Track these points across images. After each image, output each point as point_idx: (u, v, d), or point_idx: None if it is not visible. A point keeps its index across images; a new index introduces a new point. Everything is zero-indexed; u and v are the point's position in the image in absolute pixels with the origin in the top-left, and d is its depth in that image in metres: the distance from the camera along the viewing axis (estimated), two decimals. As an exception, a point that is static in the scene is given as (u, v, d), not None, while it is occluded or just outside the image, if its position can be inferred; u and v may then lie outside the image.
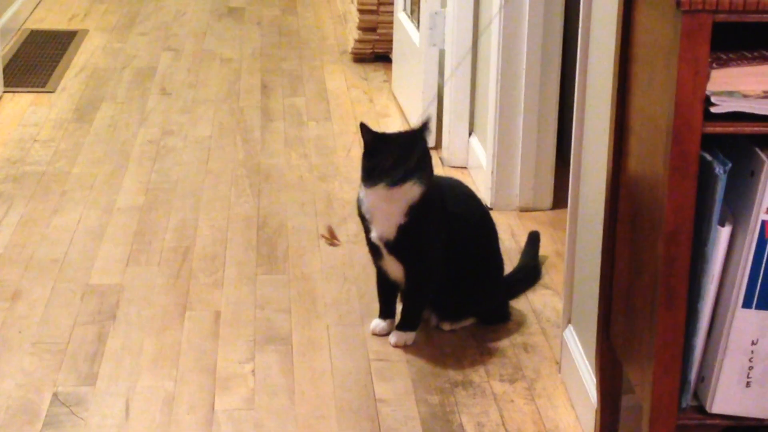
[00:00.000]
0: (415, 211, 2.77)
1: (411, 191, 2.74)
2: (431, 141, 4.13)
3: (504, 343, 2.94)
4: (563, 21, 3.61)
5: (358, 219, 2.94)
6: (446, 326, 2.97)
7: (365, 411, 2.64)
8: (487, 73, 3.75)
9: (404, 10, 4.64)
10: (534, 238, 3.29)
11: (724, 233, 1.91)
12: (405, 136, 2.83)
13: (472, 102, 4.01)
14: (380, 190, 2.73)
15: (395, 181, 2.71)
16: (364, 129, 2.76)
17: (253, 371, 2.79)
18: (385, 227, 2.80)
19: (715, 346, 1.97)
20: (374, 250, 2.87)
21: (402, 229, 2.79)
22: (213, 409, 2.64)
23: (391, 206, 2.77)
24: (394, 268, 2.87)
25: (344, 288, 3.19)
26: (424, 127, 2.81)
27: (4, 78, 4.76)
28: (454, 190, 2.98)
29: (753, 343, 1.95)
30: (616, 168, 2.22)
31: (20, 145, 4.16)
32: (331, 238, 2.83)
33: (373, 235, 2.83)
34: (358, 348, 2.90)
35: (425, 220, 2.79)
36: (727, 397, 1.98)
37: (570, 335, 2.73)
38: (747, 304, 1.92)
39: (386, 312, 2.96)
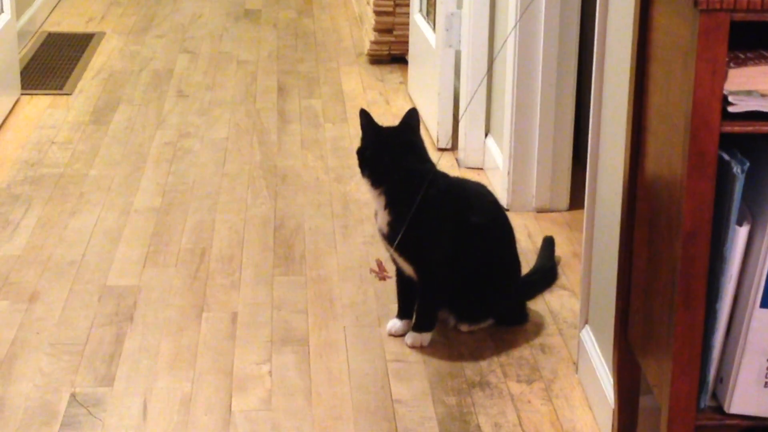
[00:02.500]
0: (394, 211, 2.80)
1: (379, 197, 2.83)
2: (447, 143, 4.17)
3: (521, 344, 2.94)
4: (579, 20, 3.60)
5: (374, 221, 2.96)
6: (464, 327, 2.97)
7: (382, 412, 2.64)
8: (503, 73, 3.75)
9: (420, 11, 4.64)
10: (548, 242, 3.29)
11: (742, 233, 1.91)
12: (381, 139, 2.86)
13: (488, 103, 4.00)
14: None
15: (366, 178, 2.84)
16: (363, 116, 2.86)
17: (270, 372, 2.79)
18: (380, 220, 2.87)
19: (734, 347, 1.96)
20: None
21: (391, 226, 2.83)
22: (230, 410, 2.64)
23: (376, 201, 2.86)
24: (402, 263, 2.90)
25: (361, 289, 3.19)
26: (404, 127, 2.85)
27: (22, 80, 4.78)
28: (479, 198, 2.97)
29: (771, 344, 1.94)
30: (633, 168, 2.21)
31: (38, 147, 4.18)
32: (381, 272, 2.86)
33: (377, 226, 2.90)
34: (375, 349, 2.90)
35: (418, 222, 2.80)
36: (745, 398, 1.97)
37: (587, 336, 2.73)
38: (765, 304, 1.91)
39: (404, 312, 2.96)
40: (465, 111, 3.97)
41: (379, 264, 2.88)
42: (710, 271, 1.92)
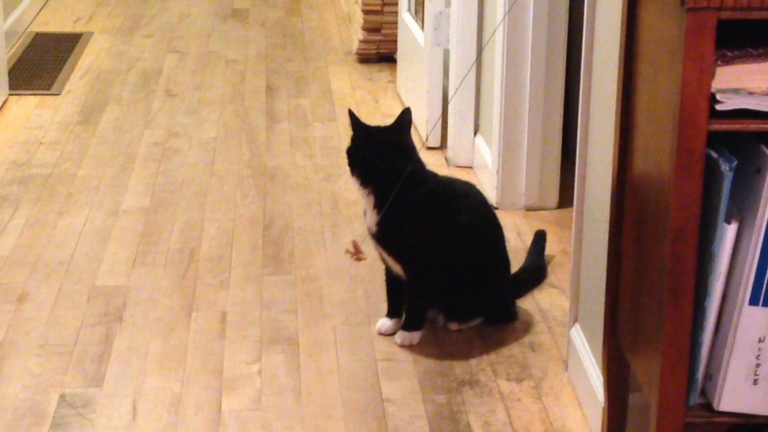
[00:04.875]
0: (389, 212, 2.80)
1: (370, 195, 2.82)
2: (436, 141, 4.17)
3: (511, 343, 2.94)
4: (568, 19, 3.61)
5: (363, 219, 2.95)
6: (453, 326, 2.98)
7: (372, 411, 2.65)
8: (492, 72, 3.75)
9: (408, 10, 4.64)
10: (540, 237, 3.29)
11: (730, 230, 1.91)
12: (369, 139, 2.86)
13: (477, 101, 4.01)
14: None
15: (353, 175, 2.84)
16: (352, 116, 2.86)
17: (259, 372, 2.79)
18: (369, 219, 2.86)
19: (722, 344, 1.96)
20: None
21: (380, 225, 2.83)
22: (220, 409, 2.64)
23: (365, 200, 2.85)
24: (391, 261, 2.90)
25: (350, 288, 3.19)
26: (396, 126, 2.86)
27: (10, 81, 4.76)
28: (467, 198, 2.97)
29: (760, 341, 1.94)
30: (621, 166, 2.22)
31: (26, 147, 4.17)
32: (356, 253, 2.86)
33: (366, 224, 2.90)
34: (365, 348, 2.90)
35: (404, 218, 2.81)
36: (734, 395, 1.98)
37: (577, 334, 2.73)
38: (754, 301, 1.92)
39: (393, 311, 2.96)
40: (454, 95, 3.97)
41: (355, 245, 2.87)
42: (698, 268, 1.92)
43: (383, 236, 2.85)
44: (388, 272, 2.95)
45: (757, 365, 1.96)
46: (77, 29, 5.68)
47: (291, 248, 3.43)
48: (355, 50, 5.20)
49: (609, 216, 2.30)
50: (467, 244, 2.90)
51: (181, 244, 3.44)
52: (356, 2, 5.26)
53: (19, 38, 5.46)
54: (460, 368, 2.82)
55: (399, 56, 4.77)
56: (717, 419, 2.00)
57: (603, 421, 2.41)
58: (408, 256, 2.87)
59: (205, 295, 3.15)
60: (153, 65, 5.12)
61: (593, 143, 2.63)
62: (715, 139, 1.89)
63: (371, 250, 2.97)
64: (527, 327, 3.01)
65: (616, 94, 2.23)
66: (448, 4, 4.06)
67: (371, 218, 2.85)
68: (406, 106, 3.03)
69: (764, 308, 1.92)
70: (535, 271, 3.22)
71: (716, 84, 1.85)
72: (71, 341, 2.91)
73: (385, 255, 2.90)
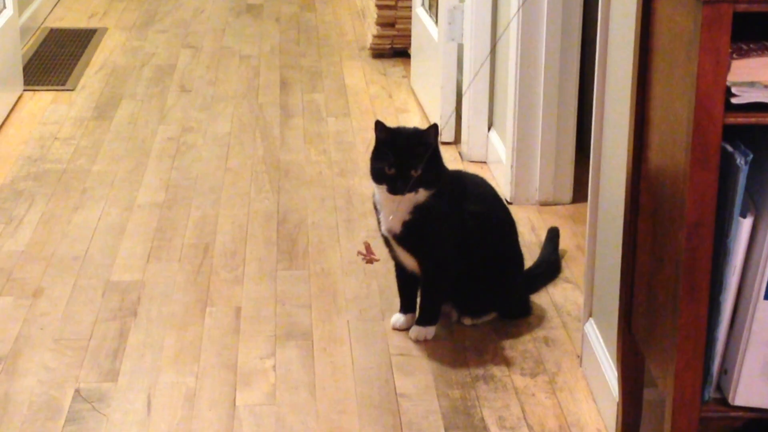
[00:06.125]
0: (421, 210, 2.78)
1: (415, 196, 2.76)
2: (450, 136, 4.17)
3: (525, 337, 2.94)
4: (582, 13, 3.60)
5: (378, 221, 2.94)
6: (467, 321, 2.97)
7: (386, 405, 2.65)
8: (506, 67, 3.75)
9: (423, 5, 4.64)
10: (553, 234, 3.29)
11: (746, 224, 1.90)
12: (412, 141, 2.78)
13: (491, 96, 4.00)
14: (384, 192, 2.76)
15: (396, 191, 2.74)
16: (379, 127, 2.79)
17: (274, 366, 2.79)
18: (391, 222, 2.82)
19: (738, 339, 1.96)
20: (386, 240, 2.88)
21: (407, 225, 2.80)
22: (234, 404, 2.65)
23: (396, 204, 2.79)
24: (407, 260, 2.88)
25: (364, 283, 3.19)
26: (432, 129, 2.79)
27: (25, 76, 4.78)
28: (476, 188, 2.97)
29: (776, 335, 1.94)
30: (636, 160, 2.21)
31: (41, 143, 4.18)
32: (369, 255, 2.85)
33: (382, 227, 2.85)
34: (379, 343, 2.90)
35: (432, 217, 2.80)
36: (749, 390, 1.97)
37: (591, 329, 2.73)
38: (769, 295, 1.91)
39: (407, 306, 2.96)
40: (468, 89, 3.97)
41: (367, 246, 2.86)
42: (714, 263, 1.91)
43: (407, 236, 2.82)
44: (399, 269, 2.94)
45: (773, 360, 1.95)
46: (92, 25, 5.69)
47: (305, 243, 3.43)
48: (369, 45, 5.20)
49: (624, 210, 2.29)
50: (478, 234, 2.88)
51: (196, 239, 3.44)
52: (370, -3, 5.26)
53: (34, 34, 5.47)
54: (474, 363, 2.82)
55: (413, 51, 4.77)
56: (732, 414, 2.00)
57: (617, 416, 2.41)
58: (426, 251, 2.86)
59: (220, 290, 3.15)
60: (167, 61, 5.12)
61: (608, 137, 2.62)
62: (730, 133, 1.88)
63: (381, 248, 2.97)
64: (541, 322, 3.01)
65: (631, 87, 2.22)
66: (462, -2, 4.06)
67: (397, 219, 2.81)
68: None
69: (780, 303, 1.91)
70: (550, 265, 3.22)
71: (732, 77, 1.84)
72: (86, 336, 2.91)
73: (402, 253, 2.88)
